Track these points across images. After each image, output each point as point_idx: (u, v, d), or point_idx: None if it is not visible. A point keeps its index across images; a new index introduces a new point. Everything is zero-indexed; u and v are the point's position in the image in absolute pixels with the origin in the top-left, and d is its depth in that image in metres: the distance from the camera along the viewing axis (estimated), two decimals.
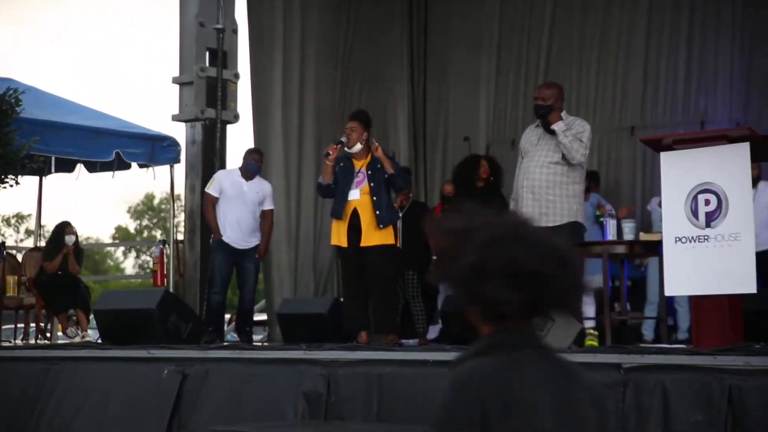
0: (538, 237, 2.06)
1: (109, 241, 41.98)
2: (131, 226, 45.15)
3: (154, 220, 45.24)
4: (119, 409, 6.29)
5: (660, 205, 8.31)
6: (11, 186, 8.87)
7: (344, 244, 7.38)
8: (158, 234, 44.05)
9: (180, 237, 10.44)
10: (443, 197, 9.47)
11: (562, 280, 2.02)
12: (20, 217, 36.34)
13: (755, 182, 7.90)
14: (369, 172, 7.39)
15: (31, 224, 35.11)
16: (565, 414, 1.98)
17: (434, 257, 8.82)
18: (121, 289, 17.42)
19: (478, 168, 8.71)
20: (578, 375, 2.07)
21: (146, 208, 45.18)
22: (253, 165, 8.55)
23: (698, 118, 9.57)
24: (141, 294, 8.55)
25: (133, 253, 43.14)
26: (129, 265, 42.98)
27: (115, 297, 7.89)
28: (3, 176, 8.65)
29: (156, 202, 44.90)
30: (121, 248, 45.72)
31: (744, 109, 9.40)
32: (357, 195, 7.35)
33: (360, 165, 7.42)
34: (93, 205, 50.97)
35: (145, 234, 44.39)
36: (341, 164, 7.46)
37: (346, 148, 7.46)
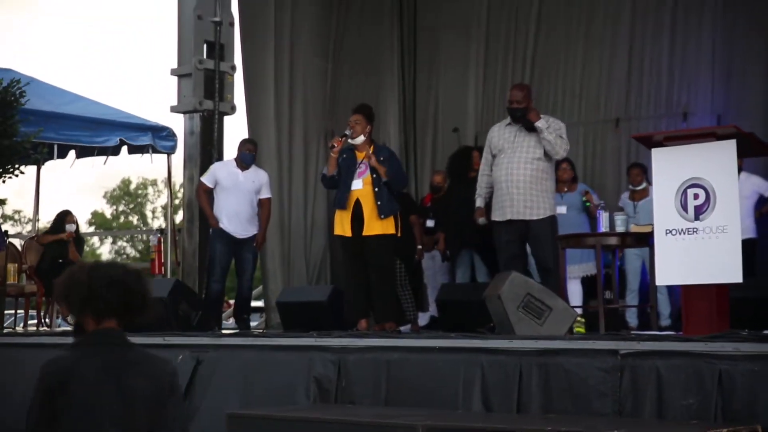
0: (97, 274, 2.95)
1: (85, 226, 41.87)
2: (107, 211, 45.04)
3: (131, 206, 45.11)
4: None
5: (629, 198, 8.71)
6: (16, 176, 9.04)
7: (348, 233, 7.56)
8: (134, 219, 43.96)
9: (163, 224, 10.62)
10: (432, 187, 9.71)
11: (112, 299, 2.93)
12: None
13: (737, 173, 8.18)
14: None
15: (7, 209, 34.99)
16: (116, 388, 2.84)
17: (419, 247, 9.12)
18: None
19: (471, 159, 8.97)
20: (142, 363, 2.93)
21: (122, 194, 45.01)
22: (248, 155, 8.73)
23: (681, 110, 9.74)
24: (152, 283, 8.69)
25: (109, 239, 42.99)
26: (105, 251, 42.88)
27: None
28: (9, 167, 8.81)
29: (132, 187, 44.79)
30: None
31: (725, 100, 9.52)
32: (360, 185, 7.55)
33: (362, 156, 7.62)
34: (68, 189, 50.65)
35: (122, 219, 44.24)
36: (344, 155, 7.65)
37: (349, 140, 7.67)
